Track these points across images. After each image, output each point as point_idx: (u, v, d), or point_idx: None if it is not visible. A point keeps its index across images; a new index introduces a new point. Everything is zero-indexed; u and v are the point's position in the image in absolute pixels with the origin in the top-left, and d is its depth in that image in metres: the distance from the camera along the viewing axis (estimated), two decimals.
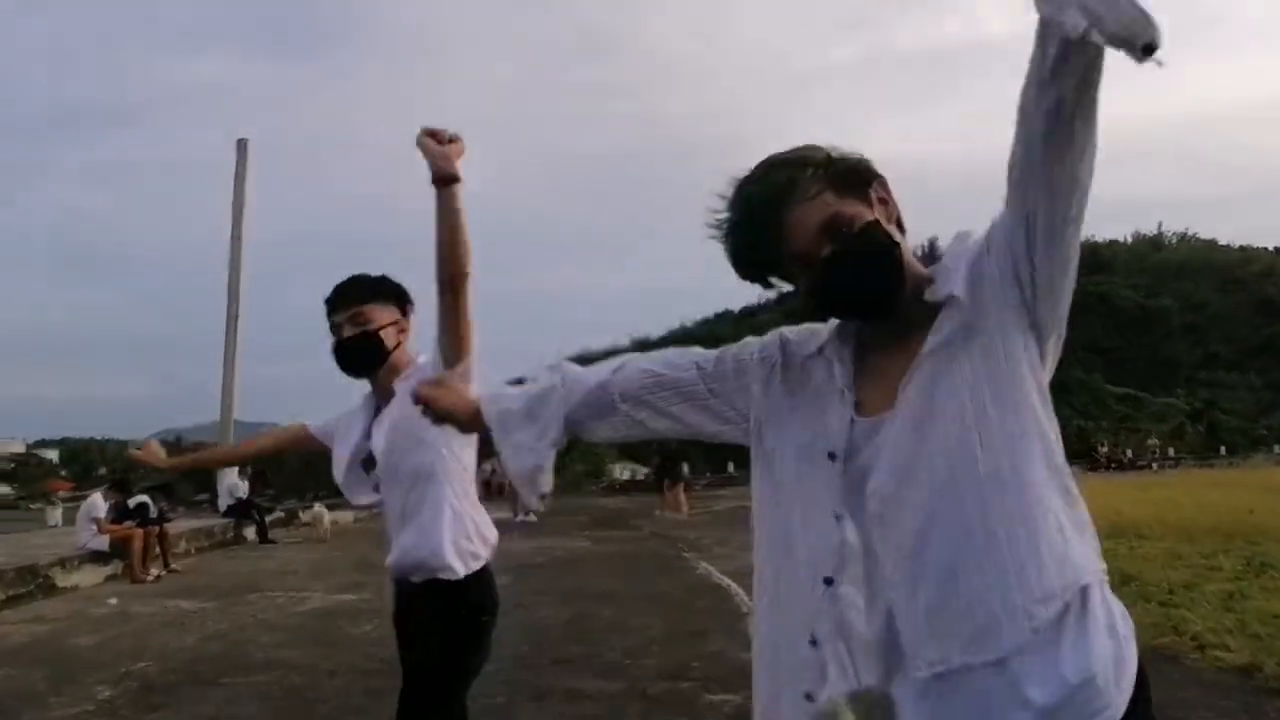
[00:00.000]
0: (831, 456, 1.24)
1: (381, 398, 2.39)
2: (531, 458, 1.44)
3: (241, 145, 19.16)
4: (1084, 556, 1.16)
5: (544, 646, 5.90)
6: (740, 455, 1.44)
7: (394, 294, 2.38)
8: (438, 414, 1.52)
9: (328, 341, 2.37)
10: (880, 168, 1.27)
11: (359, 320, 2.30)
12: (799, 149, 1.25)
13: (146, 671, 5.61)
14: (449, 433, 2.23)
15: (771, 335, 1.40)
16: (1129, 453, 35.80)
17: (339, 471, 2.43)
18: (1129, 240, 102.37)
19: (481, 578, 2.33)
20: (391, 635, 2.46)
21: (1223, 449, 39.29)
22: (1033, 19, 1.01)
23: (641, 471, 29.02)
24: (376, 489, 2.38)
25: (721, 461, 29.13)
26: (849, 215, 1.19)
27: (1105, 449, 34.71)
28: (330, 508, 15.74)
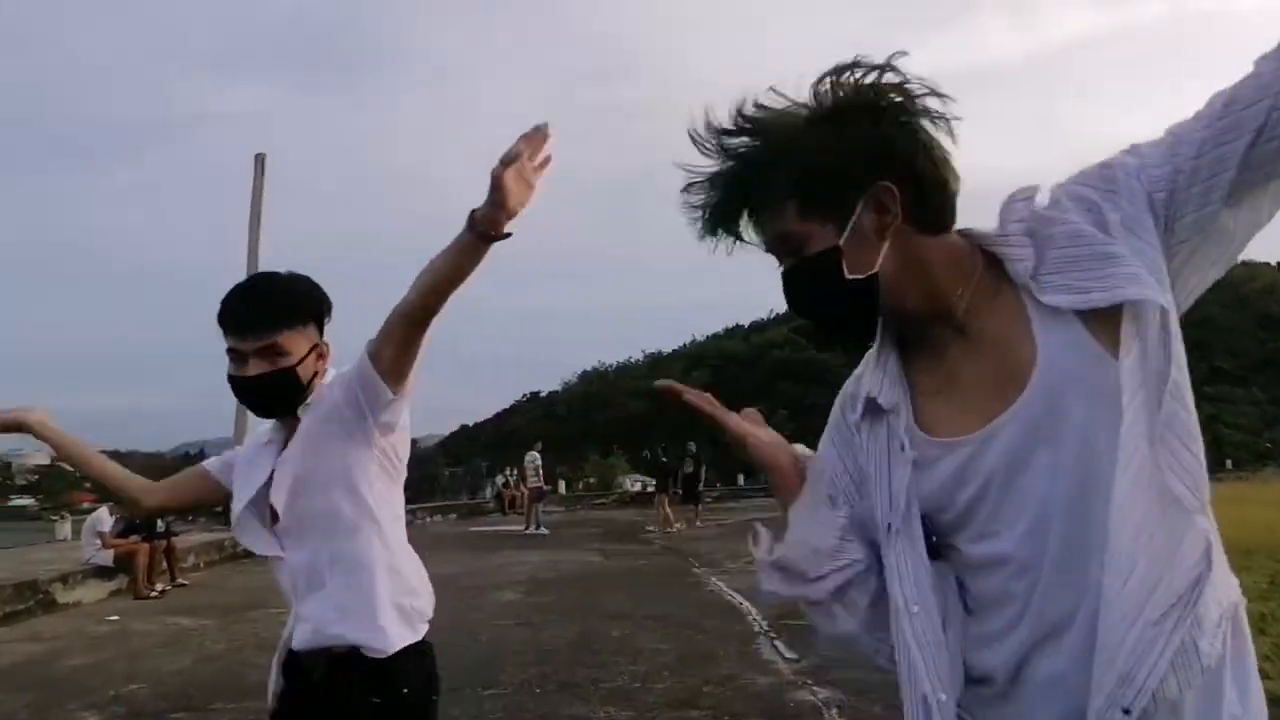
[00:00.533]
0: (889, 528, 1.05)
1: (287, 430, 1.89)
2: (819, 536, 1.12)
3: (259, 159, 19.08)
4: (1231, 577, 0.99)
5: (550, 669, 5.71)
6: (750, 470, 1.23)
7: (314, 310, 1.88)
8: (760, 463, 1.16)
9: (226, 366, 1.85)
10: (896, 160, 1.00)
11: (273, 353, 1.79)
12: (789, 120, 1.01)
13: (136, 695, 5.44)
14: (373, 469, 1.82)
15: (827, 442, 1.17)
16: None
17: (234, 516, 1.93)
18: None
19: (423, 648, 1.88)
20: None
21: (1229, 463, 38.67)
22: None
23: (652, 483, 28.83)
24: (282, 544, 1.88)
25: (731, 474, 28.90)
26: (801, 236, 1.02)
27: None
28: None
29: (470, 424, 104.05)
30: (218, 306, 1.83)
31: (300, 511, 1.82)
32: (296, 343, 1.82)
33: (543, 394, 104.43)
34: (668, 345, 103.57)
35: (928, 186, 1.01)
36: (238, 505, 1.92)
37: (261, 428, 2.02)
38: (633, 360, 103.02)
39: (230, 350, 1.81)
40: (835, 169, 0.99)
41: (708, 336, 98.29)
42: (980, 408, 0.99)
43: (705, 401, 1.14)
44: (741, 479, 27.41)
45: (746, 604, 7.86)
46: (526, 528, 17.42)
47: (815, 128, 1.00)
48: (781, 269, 1.06)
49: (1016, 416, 0.96)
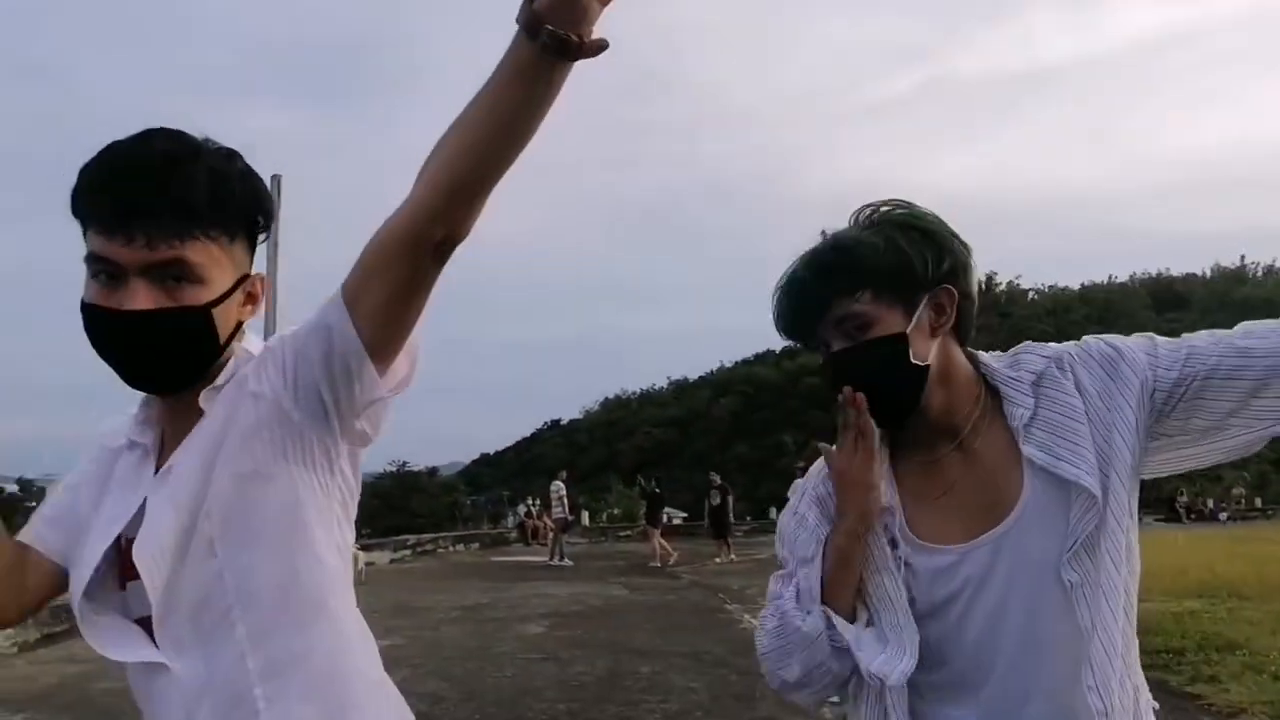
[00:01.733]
0: (895, 625, 1.19)
1: (173, 428, 1.10)
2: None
3: (275, 181, 19.32)
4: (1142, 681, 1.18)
5: (578, 706, 5.64)
6: (782, 501, 1.32)
7: (251, 213, 1.06)
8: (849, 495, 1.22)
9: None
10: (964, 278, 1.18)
11: (176, 274, 0.99)
12: (865, 237, 1.17)
13: None
14: (334, 509, 1.09)
15: (804, 504, 1.27)
16: (1209, 503, 34.03)
17: (76, 592, 1.11)
18: (1207, 275, 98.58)
19: None
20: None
21: None
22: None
23: (679, 516, 28.62)
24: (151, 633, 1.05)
25: (764, 506, 28.63)
26: (869, 318, 1.14)
27: (1184, 499, 32.44)
28: (365, 549, 15.61)
29: (491, 452, 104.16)
30: (75, 180, 1.00)
31: (205, 587, 1.03)
32: (218, 266, 1.02)
33: (564, 422, 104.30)
34: (694, 371, 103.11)
35: (970, 302, 1.18)
36: (81, 580, 1.09)
37: (107, 425, 1.18)
38: (657, 387, 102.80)
39: (95, 258, 0.99)
40: (910, 265, 1.13)
41: (736, 362, 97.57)
42: (966, 521, 1.14)
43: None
44: (773, 512, 27.16)
45: None
46: (551, 558, 17.33)
47: (892, 234, 1.15)
48: (837, 347, 1.16)
49: (1000, 536, 1.12)
